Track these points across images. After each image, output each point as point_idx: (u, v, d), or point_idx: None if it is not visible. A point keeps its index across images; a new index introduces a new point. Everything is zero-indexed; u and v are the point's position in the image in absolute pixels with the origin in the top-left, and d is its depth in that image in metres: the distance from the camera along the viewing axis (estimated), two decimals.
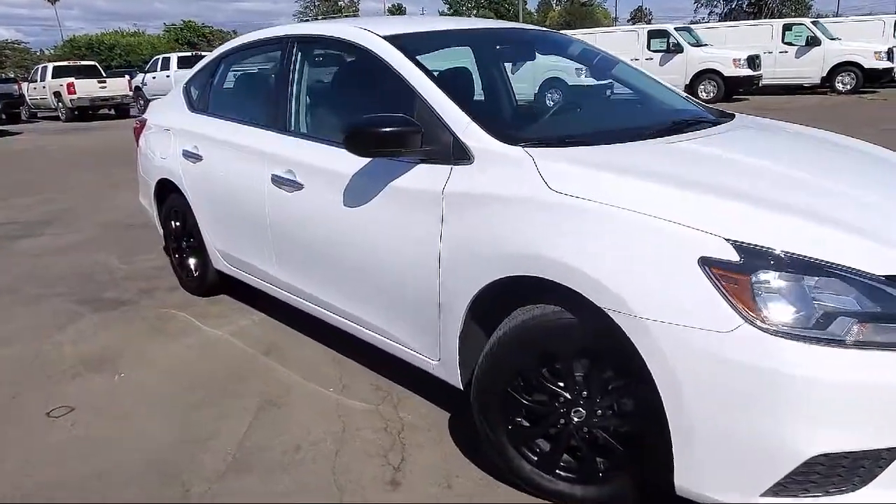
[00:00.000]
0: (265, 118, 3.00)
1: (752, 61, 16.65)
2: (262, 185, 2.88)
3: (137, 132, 4.18)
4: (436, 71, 2.40)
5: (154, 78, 20.42)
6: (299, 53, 2.88)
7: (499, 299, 1.98)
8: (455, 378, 2.20)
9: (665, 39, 17.54)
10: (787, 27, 17.98)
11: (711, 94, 16.61)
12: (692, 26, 19.60)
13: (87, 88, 18.98)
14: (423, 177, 2.17)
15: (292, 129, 2.85)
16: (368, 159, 2.34)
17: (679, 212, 1.62)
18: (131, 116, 20.12)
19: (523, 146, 2.00)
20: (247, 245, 3.16)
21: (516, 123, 2.39)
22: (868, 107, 13.61)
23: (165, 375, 2.91)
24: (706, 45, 17.61)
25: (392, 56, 2.40)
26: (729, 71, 16.45)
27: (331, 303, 2.67)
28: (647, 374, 1.62)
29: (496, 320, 2.04)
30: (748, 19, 34.83)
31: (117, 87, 19.60)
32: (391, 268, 2.29)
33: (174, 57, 20.40)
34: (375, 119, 2.14)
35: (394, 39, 2.48)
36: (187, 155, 3.47)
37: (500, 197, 1.93)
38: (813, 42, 17.44)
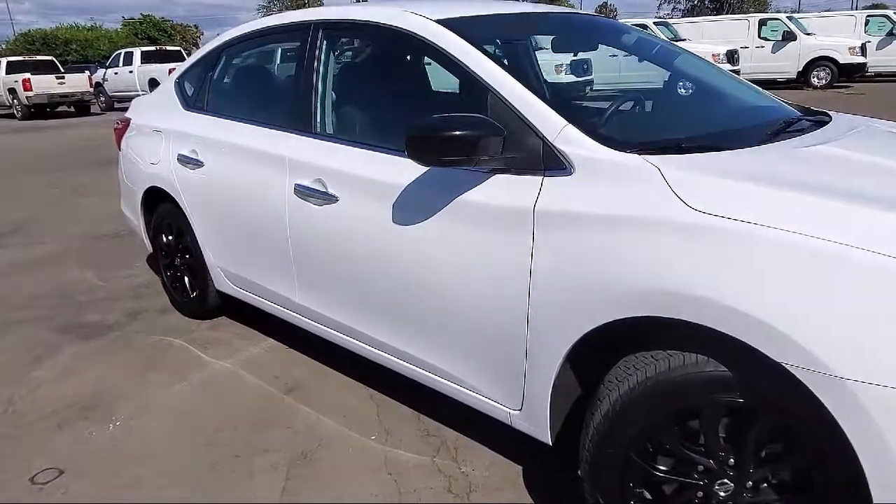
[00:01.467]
0: (284, 118, 2.56)
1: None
2: (282, 196, 2.45)
3: (119, 134, 3.68)
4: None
5: (116, 73, 19.52)
6: (326, 42, 2.46)
7: (605, 342, 1.61)
8: (542, 432, 1.82)
9: (777, 28, 17.60)
10: (762, 22, 18.04)
11: (824, 82, 16.99)
12: (673, 21, 19.56)
13: (44, 85, 18.00)
14: (502, 190, 1.78)
15: (319, 130, 2.43)
16: (425, 168, 1.95)
17: (873, 237, 1.27)
18: (92, 114, 19.25)
19: (639, 153, 1.62)
20: (260, 265, 2.73)
21: (622, 124, 2.02)
22: (848, 102, 13.61)
23: (172, 423, 2.46)
24: (812, 33, 17.75)
25: (452, 44, 2.00)
26: (844, 58, 16.83)
27: (373, 336, 2.27)
28: (839, 443, 1.26)
29: (597, 363, 1.68)
30: (709, 15, 34.99)
31: (77, 83, 18.64)
32: (459, 299, 1.90)
33: (137, 51, 19.52)
34: (446, 120, 1.74)
35: (452, 24, 2.07)
36: (184, 160, 3.01)
37: (615, 217, 1.55)
38: (789, 37, 17.51)
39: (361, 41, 2.55)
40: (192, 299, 3.39)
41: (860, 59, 17.08)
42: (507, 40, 2.41)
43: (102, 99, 20.32)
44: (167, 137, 3.17)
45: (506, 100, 1.82)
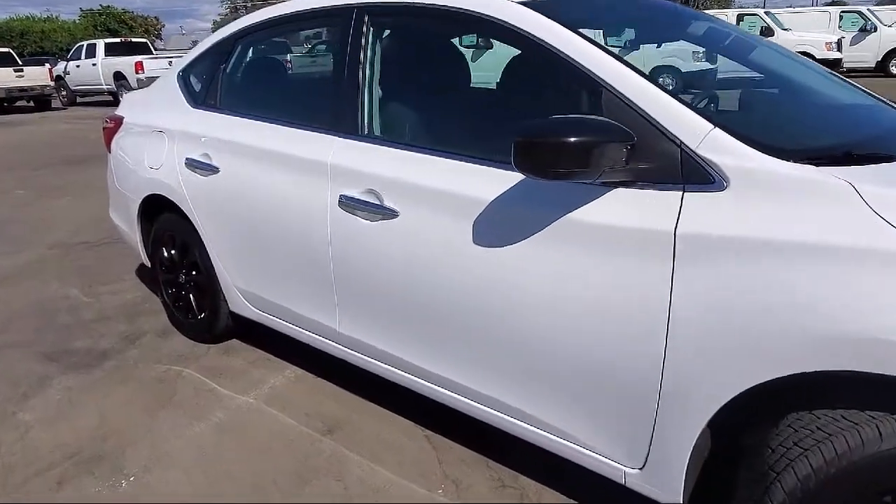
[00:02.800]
0: (321, 117, 2.21)
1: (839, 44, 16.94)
2: (322, 209, 2.10)
3: (109, 134, 3.27)
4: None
5: (78, 66, 18.65)
6: (373, 29, 2.11)
7: (763, 394, 1.32)
8: (672, 496, 1.52)
9: (755, 23, 17.54)
10: (740, 18, 18.10)
11: None
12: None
13: (1, 78, 17.09)
14: (628, 208, 1.47)
15: (367, 132, 2.09)
16: (517, 179, 1.63)
17: None
18: (53, 109, 18.39)
19: (814, 164, 1.32)
20: (291, 288, 2.37)
21: (779, 127, 1.71)
22: None
23: (197, 477, 2.10)
24: (789, 28, 17.76)
25: (548, 31, 1.68)
26: (821, 54, 17.17)
27: (443, 376, 1.94)
28: None
29: (746, 417, 1.39)
30: None
31: (36, 76, 17.73)
32: (567, 341, 1.59)
33: (101, 43, 18.66)
34: (567, 123, 1.43)
35: (543, 7, 1.75)
36: (194, 165, 2.63)
37: (793, 245, 1.25)
38: (767, 33, 17.56)
39: (419, 27, 2.19)
40: (199, 321, 3.00)
41: (836, 55, 17.24)
42: (604, 27, 2.10)
43: (64, 93, 19.44)
44: (171, 139, 2.78)
45: (627, 98, 1.50)
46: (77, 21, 55.44)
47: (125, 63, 17.30)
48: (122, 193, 3.19)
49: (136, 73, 17.07)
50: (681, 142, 1.42)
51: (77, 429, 2.39)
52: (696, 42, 2.45)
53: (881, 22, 18.10)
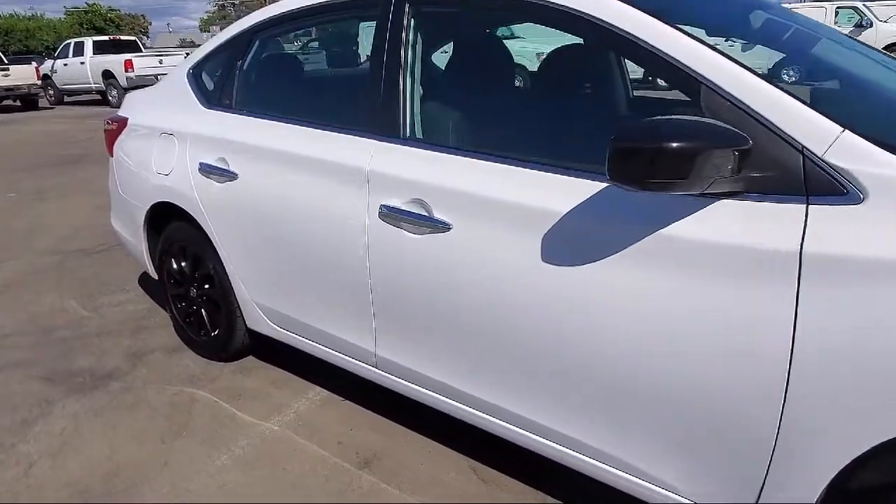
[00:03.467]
0: (356, 119, 2.00)
1: None
2: (360, 219, 1.90)
3: (111, 136, 3.03)
4: None
5: (66, 65, 18.25)
6: (416, 20, 1.90)
7: None
8: None
9: (854, 15, 17.32)
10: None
11: None
12: None
13: None
14: (738, 223, 1.27)
15: (409, 135, 1.88)
16: (596, 189, 1.44)
17: None
18: (41, 108, 18.00)
19: None
20: (319, 305, 2.16)
21: None
22: None
23: None
24: (886, 20, 17.62)
25: (631, 21, 1.48)
26: None
27: (501, 406, 1.74)
28: None
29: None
30: None
31: (23, 75, 17.33)
32: (657, 371, 1.39)
33: (89, 41, 18.28)
34: (674, 126, 1.23)
35: None
36: (208, 171, 2.41)
37: None
38: (865, 25, 17.56)
39: (468, 15, 1.99)
40: (212, 338, 2.78)
41: None
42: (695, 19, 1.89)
43: (51, 92, 19.02)
44: (182, 142, 2.55)
45: (735, 98, 1.30)
46: (62, 19, 54.73)
47: (114, 61, 16.92)
48: (127, 200, 2.96)
49: (126, 71, 16.72)
50: (803, 147, 1.23)
51: (86, 462, 2.17)
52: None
53: (876, 17, 18.06)
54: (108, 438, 2.30)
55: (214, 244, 2.49)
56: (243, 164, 2.29)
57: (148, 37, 61.73)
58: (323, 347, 2.25)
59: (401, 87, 1.87)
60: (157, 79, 16.30)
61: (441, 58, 2.06)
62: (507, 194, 1.59)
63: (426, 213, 1.74)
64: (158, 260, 2.91)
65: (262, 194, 2.23)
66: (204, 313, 2.78)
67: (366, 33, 2.07)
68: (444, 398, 1.91)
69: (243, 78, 2.44)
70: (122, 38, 20.12)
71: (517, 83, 2.16)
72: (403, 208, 1.79)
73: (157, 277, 3.03)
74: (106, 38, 19.43)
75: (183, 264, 2.78)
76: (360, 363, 2.12)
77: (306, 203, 2.07)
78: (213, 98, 2.54)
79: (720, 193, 1.29)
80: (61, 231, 5.09)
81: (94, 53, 17.71)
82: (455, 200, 1.69)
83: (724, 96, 1.32)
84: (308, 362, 2.47)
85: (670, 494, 1.47)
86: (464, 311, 1.72)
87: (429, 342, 1.86)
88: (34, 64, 18.06)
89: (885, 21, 18.09)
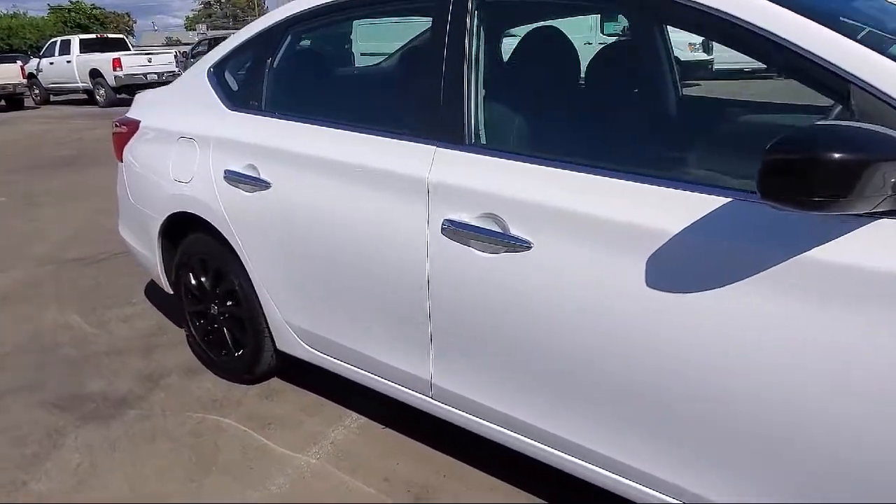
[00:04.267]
0: (412, 122, 1.80)
1: (706, 44, 16.39)
2: (419, 235, 1.70)
3: (121, 140, 2.81)
4: None
5: (52, 64, 17.86)
6: (481, 13, 1.69)
7: None
8: None
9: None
10: None
11: None
12: None
13: None
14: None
15: (476, 140, 1.68)
16: (716, 205, 1.25)
17: None
18: (26, 108, 17.60)
19: None
20: (366, 329, 1.96)
21: None
22: None
23: None
24: None
25: (759, 13, 1.29)
26: (685, 56, 16.55)
27: (587, 447, 1.54)
28: None
29: None
30: None
31: (8, 74, 16.89)
32: (805, 419, 1.20)
33: (76, 39, 17.89)
34: (830, 135, 1.04)
35: None
36: (236, 179, 2.20)
37: None
38: None
39: (544, 4, 1.79)
40: (235, 359, 2.57)
41: (703, 56, 17.09)
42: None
43: (36, 92, 18.62)
44: (204, 147, 2.34)
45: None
46: (45, 17, 53.92)
47: (102, 60, 16.59)
48: (139, 210, 2.74)
49: (114, 70, 16.40)
50: None
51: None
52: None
53: None
54: (129, 475, 2.08)
55: (241, 259, 2.28)
56: (277, 172, 2.08)
57: (133, 35, 60.99)
58: (367, 374, 2.04)
59: (465, 86, 1.67)
60: (145, 78, 16.05)
61: (509, 54, 1.86)
62: (601, 209, 1.40)
63: (500, 230, 1.55)
64: (175, 274, 2.69)
65: (300, 206, 2.02)
66: (226, 332, 2.56)
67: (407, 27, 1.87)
68: (512, 433, 1.71)
69: (274, 77, 2.23)
70: (110, 36, 19.75)
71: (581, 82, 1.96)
72: (473, 224, 1.59)
73: (171, 292, 2.81)
74: (93, 36, 19.05)
75: (203, 279, 2.57)
76: (412, 392, 1.92)
77: (352, 216, 1.87)
78: (238, 99, 2.32)
79: (879, 213, 1.10)
80: (58, 238, 4.84)
81: (80, 52, 17.35)
82: (536, 216, 1.50)
83: (882, 98, 1.13)
84: (338, 384, 2.28)
85: None
86: (545, 340, 1.53)
87: (499, 372, 1.66)
88: (19, 63, 17.62)
89: None
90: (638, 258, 1.34)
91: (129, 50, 18.18)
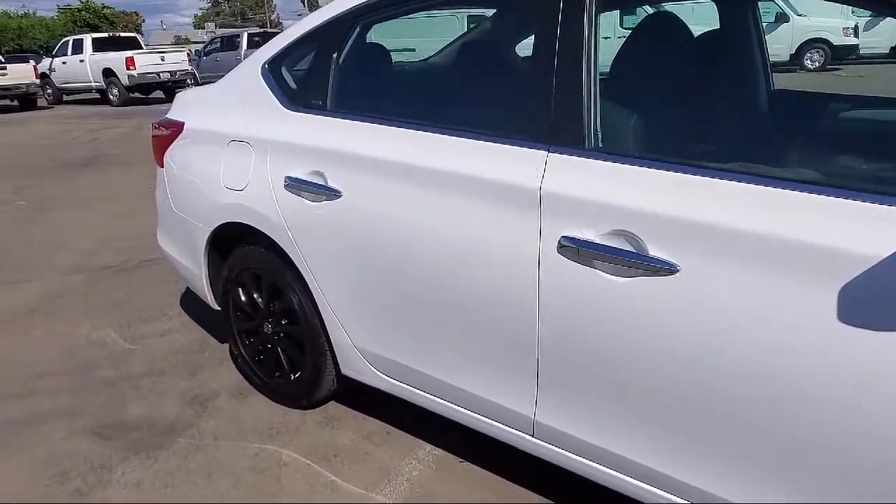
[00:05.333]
0: (518, 124, 1.57)
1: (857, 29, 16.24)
2: (528, 254, 1.47)
3: (161, 144, 2.59)
4: None
5: (64, 63, 17.75)
6: (599, 3, 1.46)
7: None
8: None
9: (770, 9, 16.81)
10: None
11: (817, 64, 16.35)
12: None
13: None
14: None
15: (598, 144, 1.45)
16: None
17: None
18: (39, 108, 17.50)
19: None
20: (455, 357, 1.74)
21: None
22: (852, 84, 13.15)
23: None
24: (804, 14, 16.95)
25: None
26: (838, 40, 16.21)
27: None
28: None
29: None
30: None
31: (21, 74, 16.79)
32: None
33: (88, 38, 17.77)
34: None
35: None
36: (298, 186, 1.98)
37: None
38: (781, 18, 17.00)
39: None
40: (291, 382, 2.35)
41: (853, 41, 16.72)
42: None
43: (49, 91, 18.53)
44: (261, 151, 2.12)
45: None
46: (55, 17, 54.00)
47: (115, 59, 16.46)
48: (182, 219, 2.52)
49: (127, 69, 16.28)
50: None
51: None
52: None
53: (794, 12, 17.19)
54: None
55: (303, 274, 2.07)
56: (348, 180, 1.86)
57: (142, 34, 61.02)
58: (453, 406, 1.82)
59: (584, 78, 1.44)
60: (158, 77, 15.94)
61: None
62: (783, 229, 1.17)
63: (634, 250, 1.32)
64: (222, 289, 2.47)
65: (376, 217, 1.79)
66: (281, 353, 2.35)
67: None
68: (634, 481, 1.49)
69: (341, 73, 2.00)
70: (122, 34, 19.61)
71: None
72: (600, 242, 1.36)
73: (217, 308, 2.60)
74: (105, 35, 18.90)
75: (255, 296, 2.35)
76: (509, 429, 1.70)
77: (440, 230, 1.65)
78: (298, 98, 2.10)
79: None
80: (83, 245, 4.64)
81: (93, 51, 17.26)
82: (682, 235, 1.27)
83: None
84: (401, 409, 2.06)
85: None
86: (692, 379, 1.30)
87: (623, 412, 1.44)
88: (32, 62, 17.51)
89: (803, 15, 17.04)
90: (829, 288, 1.11)
91: (142, 49, 18.03)
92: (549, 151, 1.47)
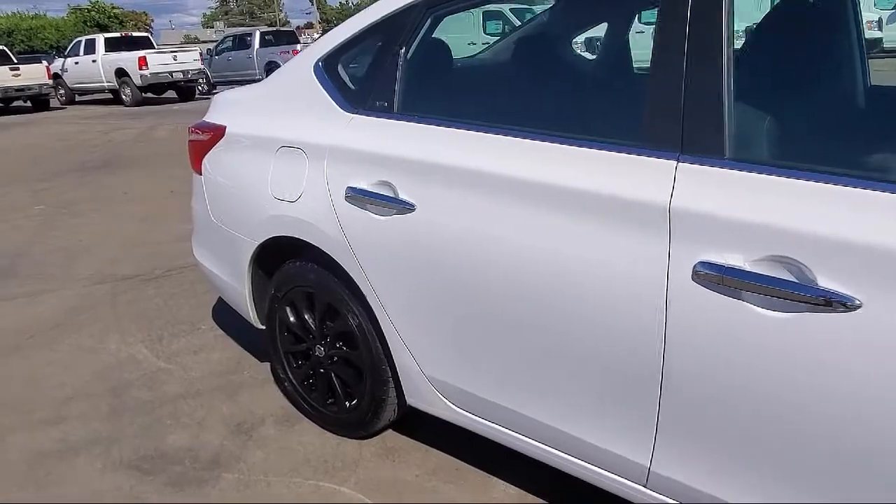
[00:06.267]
0: (631, 127, 1.35)
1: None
2: (651, 281, 1.26)
3: (200, 149, 2.39)
4: None
5: (77, 63, 17.66)
6: None
7: None
8: None
9: None
10: None
11: None
12: None
13: None
14: None
15: (738, 153, 1.23)
16: None
17: None
18: (52, 109, 17.43)
19: None
20: (557, 396, 1.52)
21: None
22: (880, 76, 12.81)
23: None
24: None
25: None
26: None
27: None
28: None
29: None
30: None
31: (33, 74, 16.70)
32: None
33: (100, 38, 17.66)
34: None
35: None
36: (363, 198, 1.77)
37: None
38: None
39: None
40: (346, 410, 2.15)
41: (878, 34, 16.37)
42: None
43: (62, 92, 18.45)
44: (317, 159, 1.91)
45: None
46: (65, 17, 54.12)
47: (128, 59, 16.33)
48: (223, 231, 2.32)
49: (140, 69, 16.15)
50: None
51: None
52: None
53: None
54: None
55: (365, 295, 1.86)
56: (424, 192, 1.65)
57: (153, 34, 61.12)
58: (545, 448, 1.61)
59: (722, 75, 1.22)
60: (171, 76, 15.87)
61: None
62: None
63: (797, 280, 1.10)
64: (268, 307, 2.27)
65: (459, 235, 1.58)
66: (335, 379, 2.14)
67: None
68: None
69: (410, 71, 1.79)
70: (135, 34, 19.50)
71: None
72: (750, 270, 1.14)
73: (260, 326, 2.40)
74: (118, 35, 18.77)
75: (307, 316, 2.15)
76: (615, 477, 1.48)
77: (538, 251, 1.43)
78: (359, 99, 1.89)
79: None
80: (105, 252, 4.46)
81: (106, 51, 17.15)
82: (862, 265, 1.05)
83: None
84: (465, 439, 1.85)
85: None
86: (858, 439, 1.08)
87: (764, 467, 1.22)
88: (45, 63, 17.42)
89: None
90: None
91: (154, 48, 17.90)
92: (678, 161, 1.26)
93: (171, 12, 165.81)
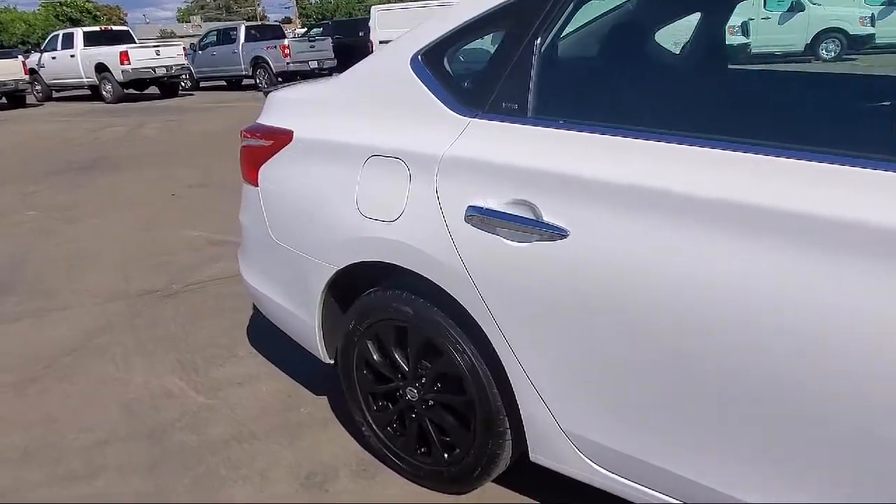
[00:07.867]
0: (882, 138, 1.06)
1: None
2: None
3: (256, 156, 2.06)
4: None
5: (54, 59, 17.01)
6: None
7: None
8: None
9: None
10: None
11: (833, 54, 16.03)
12: None
13: None
14: None
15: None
16: None
17: None
18: (28, 105, 16.78)
19: None
20: (756, 465, 1.23)
21: None
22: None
23: None
24: (819, 3, 16.53)
25: None
26: (854, 29, 15.76)
27: None
28: None
29: None
30: None
31: (9, 70, 16.00)
32: None
33: (79, 33, 17.00)
34: None
35: None
36: (491, 219, 1.46)
37: None
38: (797, 7, 16.61)
39: None
40: (442, 462, 1.84)
41: (870, 30, 16.39)
42: None
43: (38, 88, 17.77)
44: (424, 170, 1.60)
45: None
46: (36, 11, 52.69)
47: (109, 54, 15.76)
48: (289, 253, 2.00)
49: (122, 64, 15.60)
50: None
51: None
52: None
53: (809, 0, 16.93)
54: None
55: (487, 333, 1.56)
56: (579, 215, 1.34)
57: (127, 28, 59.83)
58: None
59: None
60: (154, 72, 15.40)
61: None
62: None
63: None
64: (344, 342, 1.95)
65: (628, 269, 1.28)
66: (430, 426, 1.83)
67: None
68: None
69: (548, 66, 1.48)
70: (115, 28, 18.86)
71: None
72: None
73: (328, 361, 2.08)
74: (97, 28, 18.14)
75: (396, 354, 1.84)
76: None
77: (766, 295, 1.13)
78: (476, 100, 1.57)
79: None
80: (112, 263, 4.09)
81: (85, 45, 16.51)
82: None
83: None
84: (565, 489, 1.56)
85: None
86: None
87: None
88: (21, 58, 16.74)
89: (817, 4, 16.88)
90: None
91: (135, 43, 17.30)
92: None
93: (143, 6, 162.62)
